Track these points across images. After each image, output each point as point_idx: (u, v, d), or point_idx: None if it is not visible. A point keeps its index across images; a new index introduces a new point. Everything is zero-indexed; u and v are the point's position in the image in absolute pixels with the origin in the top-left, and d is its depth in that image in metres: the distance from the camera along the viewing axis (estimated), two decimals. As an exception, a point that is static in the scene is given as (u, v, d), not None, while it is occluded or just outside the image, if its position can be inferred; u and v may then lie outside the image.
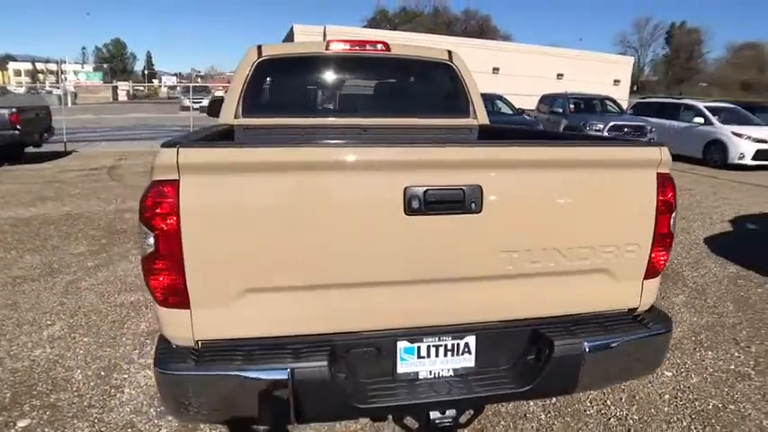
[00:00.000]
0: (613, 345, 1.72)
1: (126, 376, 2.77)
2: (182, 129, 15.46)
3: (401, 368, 1.69)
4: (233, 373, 1.49)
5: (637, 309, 1.84)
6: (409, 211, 1.53)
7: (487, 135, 3.23)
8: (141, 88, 63.55)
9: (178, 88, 48.55)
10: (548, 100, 15.15)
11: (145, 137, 15.12)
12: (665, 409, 2.51)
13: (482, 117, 3.36)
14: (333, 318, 1.61)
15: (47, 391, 2.61)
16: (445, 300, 1.67)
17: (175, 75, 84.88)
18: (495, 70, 32.43)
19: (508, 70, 32.61)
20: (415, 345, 1.69)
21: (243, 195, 1.47)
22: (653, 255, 1.77)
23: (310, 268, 1.55)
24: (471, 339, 1.72)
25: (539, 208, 1.64)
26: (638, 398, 2.59)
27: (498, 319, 1.72)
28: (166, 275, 1.49)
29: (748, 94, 44.22)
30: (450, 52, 3.34)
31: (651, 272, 1.80)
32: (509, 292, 1.71)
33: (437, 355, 1.71)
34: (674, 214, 1.77)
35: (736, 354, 3.08)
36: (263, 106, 3.08)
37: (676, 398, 2.60)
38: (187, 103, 21.47)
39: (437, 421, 1.67)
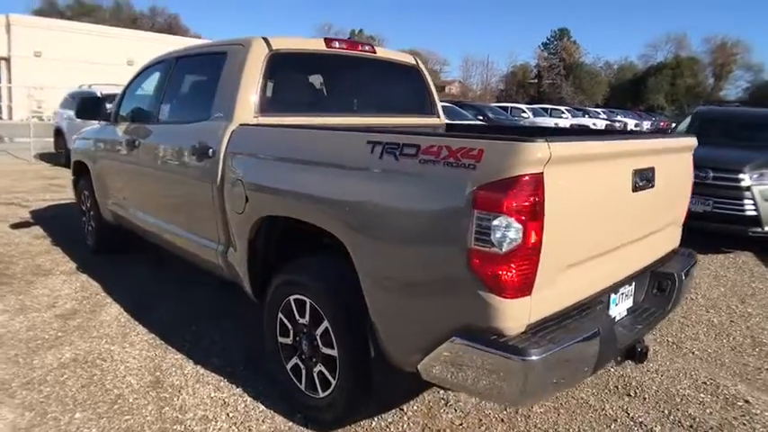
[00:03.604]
0: (689, 271, 2.53)
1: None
2: None
3: (610, 314, 2.12)
4: (577, 341, 1.67)
5: (675, 247, 2.71)
6: (634, 188, 1.98)
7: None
8: None
9: None
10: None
11: None
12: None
13: (443, 116, 3.80)
14: (596, 280, 1.94)
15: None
16: (629, 256, 2.17)
17: None
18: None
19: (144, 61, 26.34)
20: (616, 295, 2.14)
21: (579, 182, 1.68)
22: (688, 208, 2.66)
23: (598, 240, 1.86)
24: (633, 285, 2.27)
25: (668, 179, 2.29)
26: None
27: (643, 266, 2.31)
28: (525, 266, 1.56)
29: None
30: (415, 57, 3.67)
31: (684, 220, 2.68)
32: (650, 244, 2.32)
33: (622, 301, 2.20)
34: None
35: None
36: (280, 104, 2.81)
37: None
38: None
39: (639, 349, 2.16)
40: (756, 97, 39.83)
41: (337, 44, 3.11)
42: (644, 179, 2.05)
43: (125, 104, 4.01)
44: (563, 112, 23.13)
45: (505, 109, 22.93)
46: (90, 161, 4.40)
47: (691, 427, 2.40)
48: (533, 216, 1.55)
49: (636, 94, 48.31)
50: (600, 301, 2.01)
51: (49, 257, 4.63)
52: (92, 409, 2.43)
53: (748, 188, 4.86)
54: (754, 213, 4.87)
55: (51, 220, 5.90)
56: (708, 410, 2.53)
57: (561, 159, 1.58)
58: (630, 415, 2.48)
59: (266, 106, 2.73)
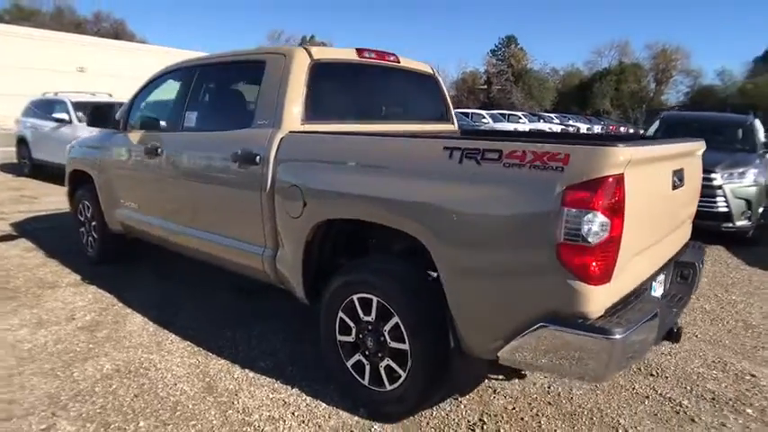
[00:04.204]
0: (703, 260, 2.82)
1: None
2: None
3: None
4: (646, 320, 1.89)
5: (688, 240, 3.00)
6: (673, 186, 2.23)
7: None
8: None
9: None
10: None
11: None
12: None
13: (456, 124, 4.00)
14: (645, 269, 2.17)
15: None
16: (664, 247, 2.42)
17: None
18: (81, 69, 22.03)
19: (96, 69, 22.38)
20: (655, 282, 2.38)
21: (643, 182, 1.90)
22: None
23: (649, 233, 2.09)
24: (664, 274, 2.52)
25: (690, 179, 2.56)
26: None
27: (671, 256, 2.57)
28: (609, 256, 1.77)
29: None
30: (431, 66, 3.84)
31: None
32: (676, 236, 2.58)
33: (658, 288, 2.45)
34: None
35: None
36: (322, 112, 2.91)
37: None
38: None
39: (674, 330, 2.40)
40: (696, 101, 42.65)
41: (367, 54, 3.24)
42: (679, 179, 2.30)
43: (136, 112, 3.98)
44: (520, 118, 23.98)
45: (467, 114, 23.53)
46: (94, 170, 4.30)
47: (713, 399, 2.68)
48: (616, 212, 1.75)
49: (582, 99, 50.45)
50: (645, 288, 2.24)
51: (49, 270, 4.48)
52: (154, 416, 2.44)
53: (720, 187, 5.33)
54: (725, 210, 5.35)
55: (37, 233, 5.67)
56: (723, 385, 2.82)
57: (636, 161, 1.79)
58: (659, 392, 2.73)
59: (310, 114, 2.83)
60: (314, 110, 2.85)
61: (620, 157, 1.73)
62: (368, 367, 2.45)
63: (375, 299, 2.35)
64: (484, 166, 1.94)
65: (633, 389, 2.76)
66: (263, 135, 2.78)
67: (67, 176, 4.80)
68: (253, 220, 2.85)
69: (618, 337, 1.76)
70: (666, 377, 2.89)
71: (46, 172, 9.56)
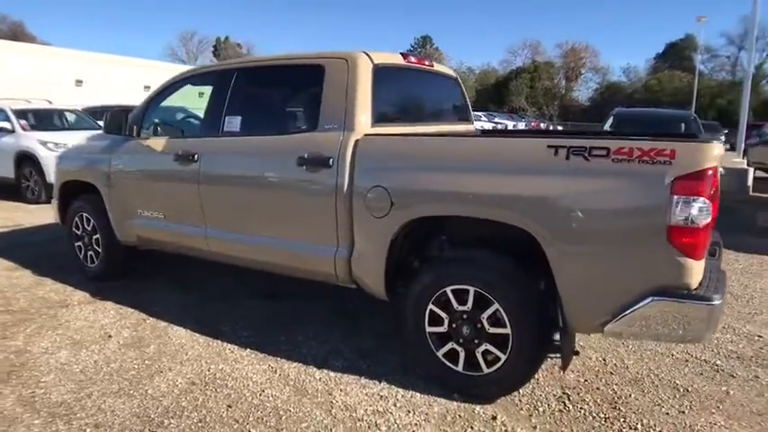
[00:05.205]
0: (721, 240, 3.26)
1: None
2: None
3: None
4: (725, 287, 2.25)
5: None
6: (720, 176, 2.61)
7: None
8: None
9: None
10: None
11: None
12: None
13: (474, 124, 4.24)
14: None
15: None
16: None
17: None
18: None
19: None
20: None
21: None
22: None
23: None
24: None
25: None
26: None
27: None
28: (708, 235, 2.10)
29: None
30: (454, 70, 4.05)
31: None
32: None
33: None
34: None
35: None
36: (386, 114, 3.01)
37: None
38: None
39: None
40: (605, 97, 46.29)
41: (410, 59, 3.38)
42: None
43: (153, 118, 3.82)
44: (453, 116, 24.93)
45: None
46: (100, 180, 4.04)
47: (738, 357, 3.12)
48: (714, 197, 2.06)
49: (499, 97, 52.91)
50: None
51: (48, 288, 4.17)
52: (263, 424, 2.43)
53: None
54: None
55: (9, 251, 5.18)
56: (740, 345, 3.29)
57: (720, 156, 2.11)
58: (693, 356, 3.13)
59: (377, 117, 2.93)
60: (379, 113, 2.95)
61: (715, 152, 2.05)
62: (462, 354, 2.60)
63: (472, 289, 2.51)
64: (593, 162, 2.18)
65: (672, 355, 3.14)
66: (335, 138, 2.84)
67: (58, 188, 4.47)
68: (323, 222, 2.90)
69: (717, 302, 2.08)
70: (694, 344, 3.31)
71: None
